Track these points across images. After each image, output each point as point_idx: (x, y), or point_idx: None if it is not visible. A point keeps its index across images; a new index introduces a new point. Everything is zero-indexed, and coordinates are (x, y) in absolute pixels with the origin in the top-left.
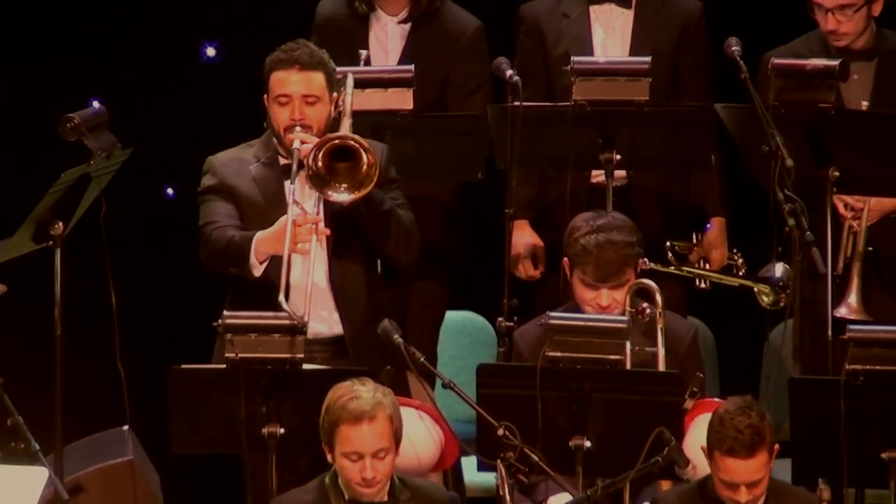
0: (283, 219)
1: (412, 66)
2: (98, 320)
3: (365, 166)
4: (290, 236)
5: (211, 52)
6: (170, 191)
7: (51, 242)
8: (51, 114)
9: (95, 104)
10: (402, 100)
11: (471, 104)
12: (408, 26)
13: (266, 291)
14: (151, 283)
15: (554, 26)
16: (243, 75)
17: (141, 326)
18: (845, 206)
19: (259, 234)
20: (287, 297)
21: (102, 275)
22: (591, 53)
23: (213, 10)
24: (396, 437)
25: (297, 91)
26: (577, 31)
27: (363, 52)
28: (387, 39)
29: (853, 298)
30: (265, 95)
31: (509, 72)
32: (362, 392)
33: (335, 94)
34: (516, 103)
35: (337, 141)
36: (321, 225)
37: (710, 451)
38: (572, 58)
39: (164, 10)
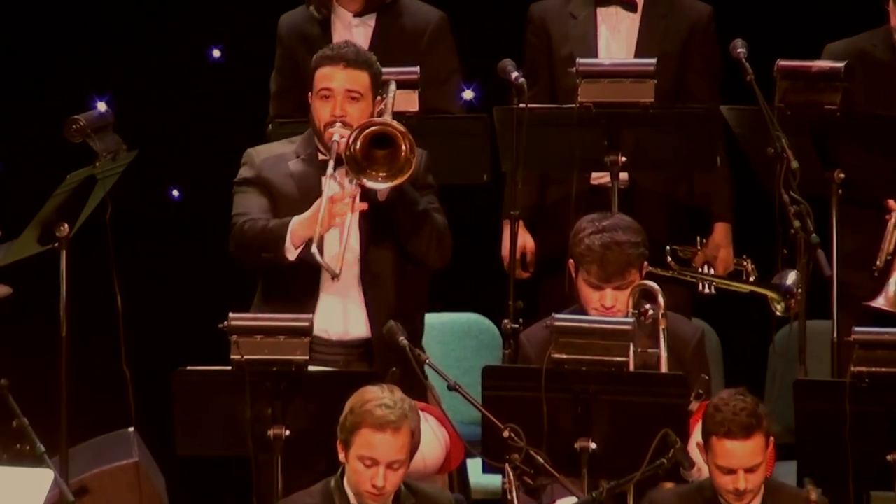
0: (319, 200)
1: (417, 68)
2: (103, 322)
3: (404, 152)
4: (327, 210)
5: (216, 54)
6: (175, 192)
7: (56, 244)
8: (57, 115)
9: (101, 106)
10: (407, 101)
11: (442, 95)
12: (371, 25)
13: (298, 290)
14: (157, 285)
15: (560, 27)
16: (249, 79)
17: (146, 328)
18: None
19: (296, 218)
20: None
21: (108, 277)
22: (595, 55)
23: (218, 12)
24: (412, 452)
25: (340, 87)
26: (583, 33)
27: None
28: (352, 38)
29: (892, 289)
30: (309, 93)
31: (514, 73)
32: (391, 401)
33: (378, 98)
34: (521, 105)
35: (377, 126)
36: (358, 201)
37: (707, 440)
38: (577, 60)
39: (169, 12)
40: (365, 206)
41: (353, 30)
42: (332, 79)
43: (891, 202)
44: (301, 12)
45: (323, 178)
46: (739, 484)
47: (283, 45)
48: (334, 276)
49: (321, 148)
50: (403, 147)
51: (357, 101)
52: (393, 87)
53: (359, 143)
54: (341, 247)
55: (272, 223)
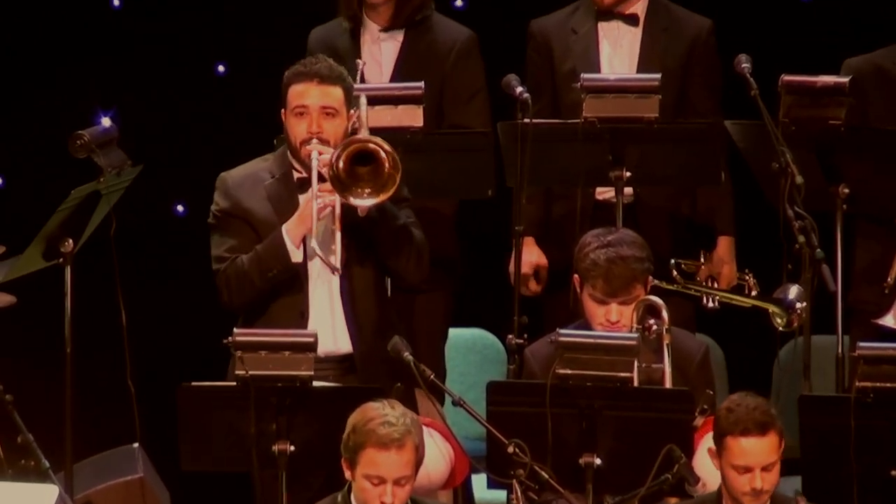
0: (303, 204)
1: (422, 84)
2: (108, 338)
3: (387, 168)
4: (315, 199)
5: (221, 69)
6: (180, 208)
7: (61, 260)
8: (62, 130)
9: (105, 121)
10: (412, 117)
11: (467, 114)
12: (399, 40)
13: (281, 319)
14: (161, 301)
15: (562, 42)
16: (253, 94)
17: (151, 344)
18: None
19: (285, 225)
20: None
21: (112, 292)
22: (597, 70)
23: (222, 28)
24: (418, 465)
25: (315, 103)
26: (585, 48)
27: (360, 62)
28: (380, 54)
29: None
30: (282, 110)
31: (519, 88)
32: (393, 417)
33: (352, 112)
34: (526, 120)
35: (358, 144)
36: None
37: (721, 442)
38: (582, 75)
39: (173, 27)
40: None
41: (382, 44)
42: (307, 95)
43: None
44: (332, 26)
45: (300, 198)
46: (756, 483)
47: None
48: (335, 271)
49: (296, 166)
50: (386, 162)
51: (332, 116)
52: (363, 99)
53: (342, 163)
54: (336, 242)
55: (259, 246)
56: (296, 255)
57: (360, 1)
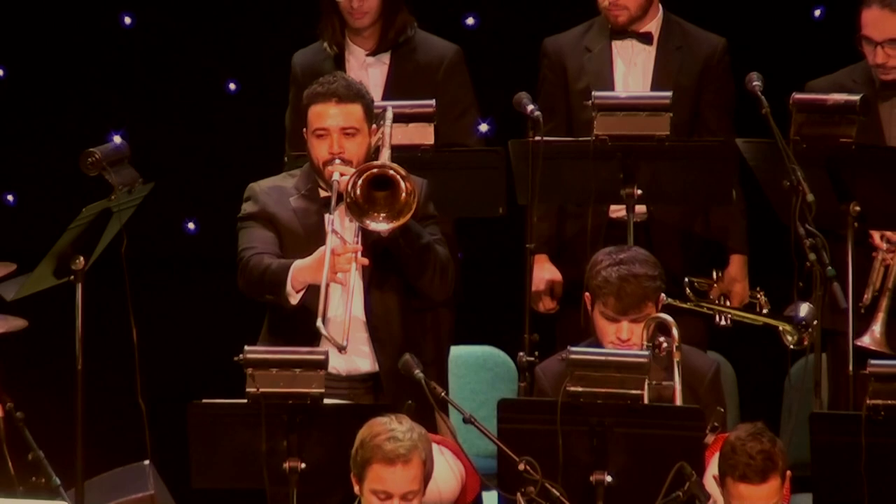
0: (321, 248)
1: (433, 101)
2: (119, 355)
3: (403, 195)
4: (329, 265)
5: (232, 87)
6: (191, 225)
7: (72, 277)
8: (73, 148)
9: (116, 139)
10: (423, 135)
11: (460, 129)
12: (386, 63)
13: (304, 323)
14: (172, 318)
15: (576, 61)
16: (264, 112)
17: (162, 361)
18: (881, 236)
19: (297, 263)
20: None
21: (123, 310)
22: (612, 89)
23: (233, 46)
24: (426, 480)
25: (335, 124)
26: (599, 66)
27: None
28: (367, 76)
29: (878, 329)
30: (304, 129)
31: (530, 107)
32: (399, 432)
33: (374, 127)
34: (537, 138)
35: (375, 170)
36: (360, 255)
37: (722, 479)
38: (593, 93)
39: (184, 45)
40: (366, 261)
41: (368, 68)
42: (326, 116)
43: (876, 239)
44: (314, 50)
45: (326, 217)
46: None
47: (298, 83)
48: (341, 349)
49: (321, 184)
50: (403, 188)
51: (353, 136)
52: (389, 114)
53: (359, 189)
54: (346, 316)
55: (274, 265)
56: (293, 298)
57: (343, 26)
